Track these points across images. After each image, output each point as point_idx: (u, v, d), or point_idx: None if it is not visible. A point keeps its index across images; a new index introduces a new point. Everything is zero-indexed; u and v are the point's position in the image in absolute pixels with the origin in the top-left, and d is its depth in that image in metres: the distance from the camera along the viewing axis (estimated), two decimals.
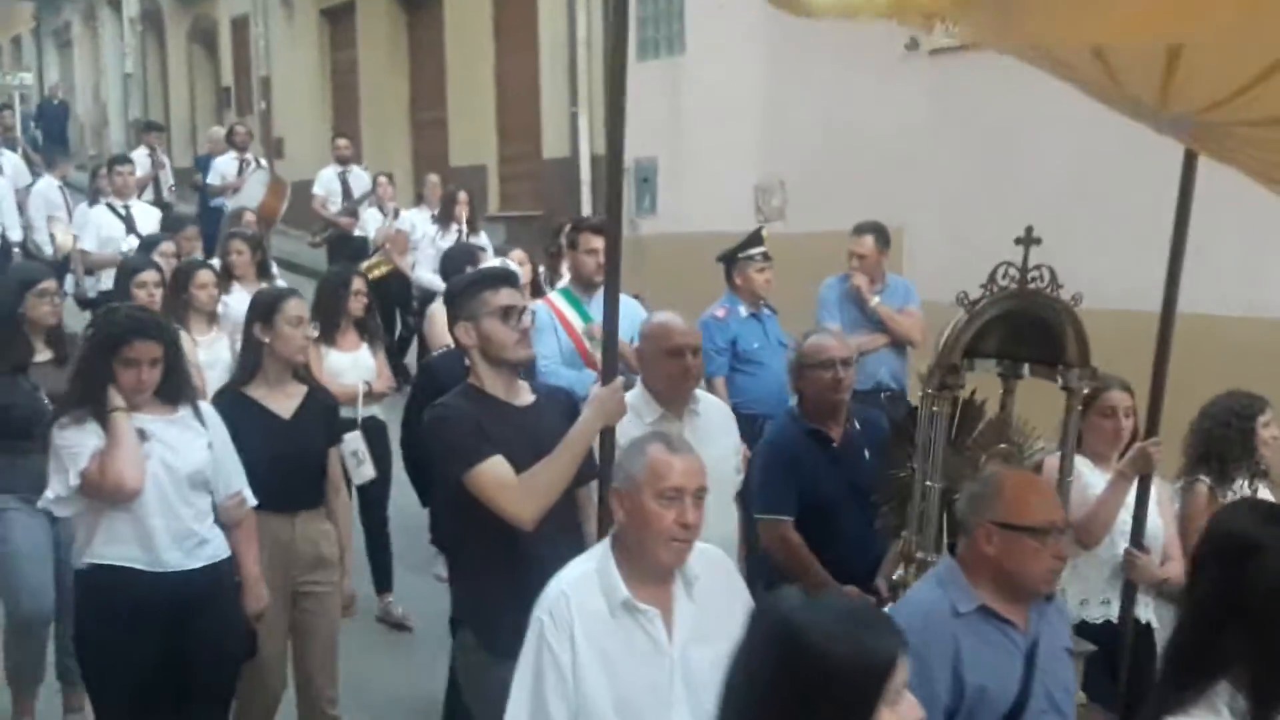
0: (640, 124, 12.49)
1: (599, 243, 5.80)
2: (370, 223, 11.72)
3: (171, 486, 4.08)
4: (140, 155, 14.17)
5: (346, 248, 12.27)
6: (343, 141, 13.16)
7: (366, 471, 6.06)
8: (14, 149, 15.11)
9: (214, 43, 22.75)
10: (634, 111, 13.69)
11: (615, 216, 3.69)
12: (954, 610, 3.15)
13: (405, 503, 6.48)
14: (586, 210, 12.96)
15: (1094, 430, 4.63)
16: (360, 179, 12.65)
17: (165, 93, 24.86)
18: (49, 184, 12.12)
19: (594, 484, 3.64)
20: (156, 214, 10.10)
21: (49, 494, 4.06)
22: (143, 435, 4.05)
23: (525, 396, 3.78)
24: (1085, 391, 4.00)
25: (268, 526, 4.52)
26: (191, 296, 6.36)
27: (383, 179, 12.06)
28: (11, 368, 5.02)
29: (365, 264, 10.27)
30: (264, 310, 4.72)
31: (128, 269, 6.61)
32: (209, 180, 13.97)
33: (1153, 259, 4.69)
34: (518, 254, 7.41)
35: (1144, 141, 3.64)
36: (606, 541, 3.12)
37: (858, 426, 4.71)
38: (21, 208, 11.99)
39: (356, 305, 6.43)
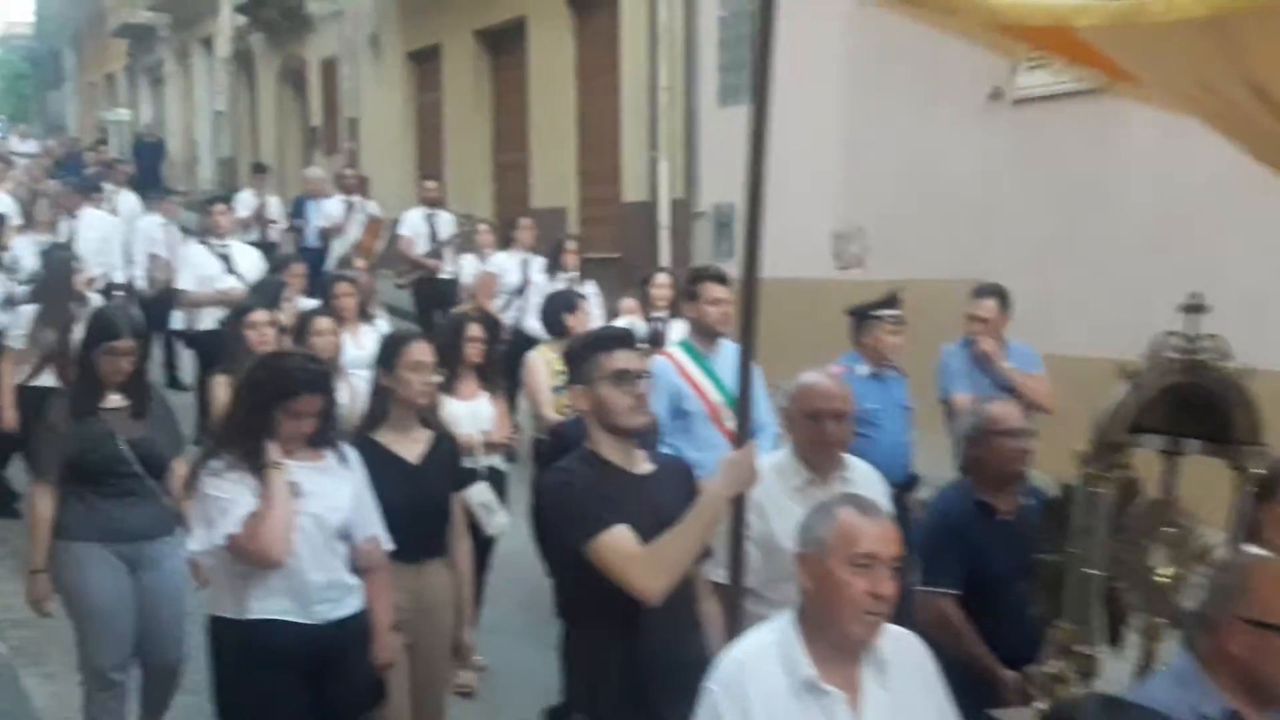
0: (720, 169, 12.66)
1: (722, 292, 5.76)
2: (466, 268, 11.46)
3: (322, 538, 4.02)
4: (247, 196, 14.50)
5: (432, 290, 12.28)
6: (431, 184, 13.12)
7: (499, 521, 5.91)
8: (129, 186, 15.51)
9: (303, 83, 23.22)
10: (714, 157, 13.95)
11: (752, 266, 3.57)
12: (1199, 716, 2.84)
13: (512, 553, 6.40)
14: (664, 255, 12.98)
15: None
16: (446, 222, 12.60)
17: (255, 131, 25.39)
18: (151, 222, 12.40)
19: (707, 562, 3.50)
20: (255, 254, 10.10)
21: (194, 545, 4.00)
22: (294, 490, 3.97)
23: (644, 465, 3.62)
24: (1262, 473, 3.55)
25: (396, 576, 4.41)
26: (310, 345, 6.22)
27: (482, 226, 11.83)
28: (83, 412, 4.99)
29: (459, 309, 9.94)
30: (386, 355, 4.65)
31: (241, 308, 6.54)
32: (314, 222, 13.96)
33: (1262, 314, 4.53)
34: (628, 303, 7.28)
35: (1238, 187, 3.53)
36: (790, 612, 2.91)
37: (1027, 500, 4.47)
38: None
39: (474, 352, 6.16)
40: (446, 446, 4.76)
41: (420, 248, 12.39)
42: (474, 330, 6.18)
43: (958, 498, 4.54)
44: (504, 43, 16.92)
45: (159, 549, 5.05)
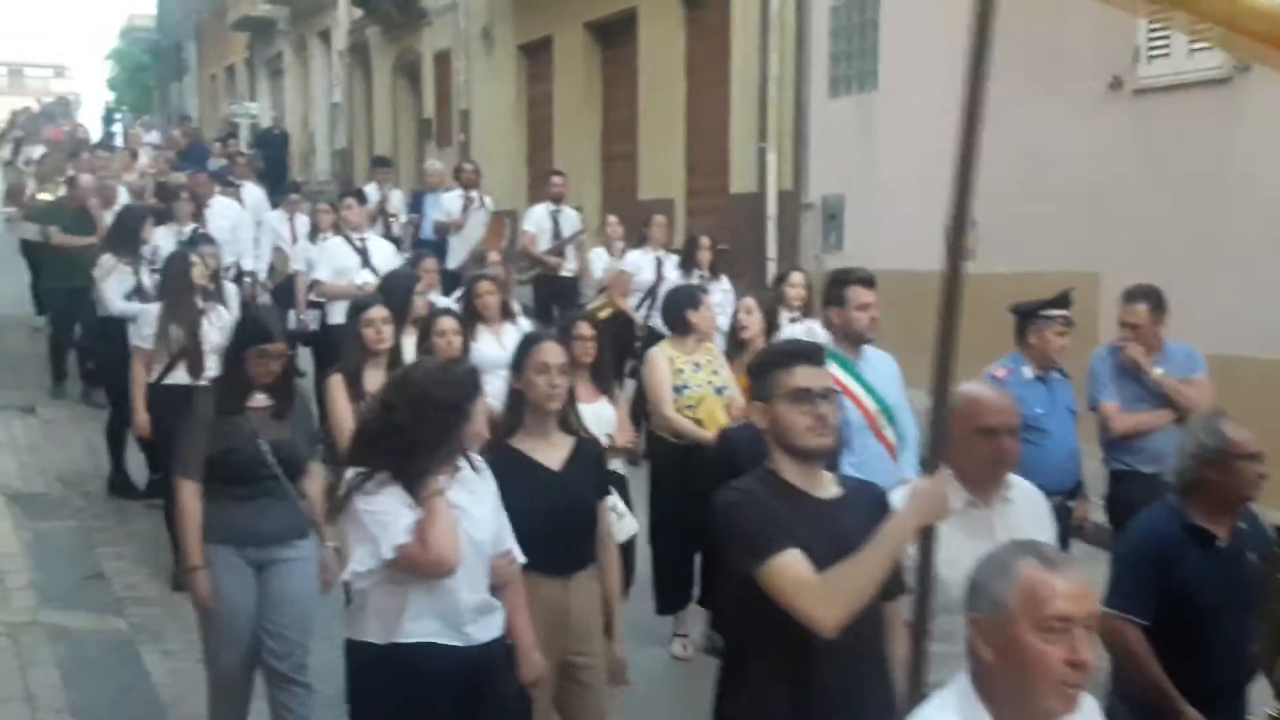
0: (829, 160, 12.58)
1: (869, 296, 5.59)
2: (596, 261, 11.20)
3: (474, 555, 3.77)
4: (370, 190, 14.27)
5: (552, 287, 12.13)
6: (558, 179, 12.67)
7: (629, 526, 5.64)
8: (256, 180, 15.59)
9: (417, 75, 23.52)
10: (823, 148, 13.84)
11: (956, 270, 3.26)
12: None
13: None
14: (771, 247, 12.92)
15: None
16: (570, 218, 12.32)
17: (370, 123, 25.78)
18: (279, 216, 12.62)
19: (903, 602, 3.22)
20: (390, 248, 10.01)
21: (355, 566, 3.68)
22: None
23: (829, 488, 3.32)
24: None
25: (539, 591, 4.14)
26: (433, 344, 6.07)
27: (612, 219, 11.54)
28: (228, 411, 4.95)
29: (591, 305, 9.99)
30: (517, 357, 4.45)
31: (359, 304, 6.24)
32: (434, 216, 13.75)
33: None
34: (747, 301, 7.01)
35: None
36: (963, 679, 2.53)
37: (1243, 526, 4.20)
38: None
39: (583, 351, 5.81)
40: (590, 451, 4.51)
41: (543, 244, 12.14)
42: (583, 329, 5.89)
43: (1165, 520, 4.18)
44: (614, 34, 16.97)
45: (288, 552, 5.00)
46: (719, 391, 6.34)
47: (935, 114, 10.96)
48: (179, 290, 7.32)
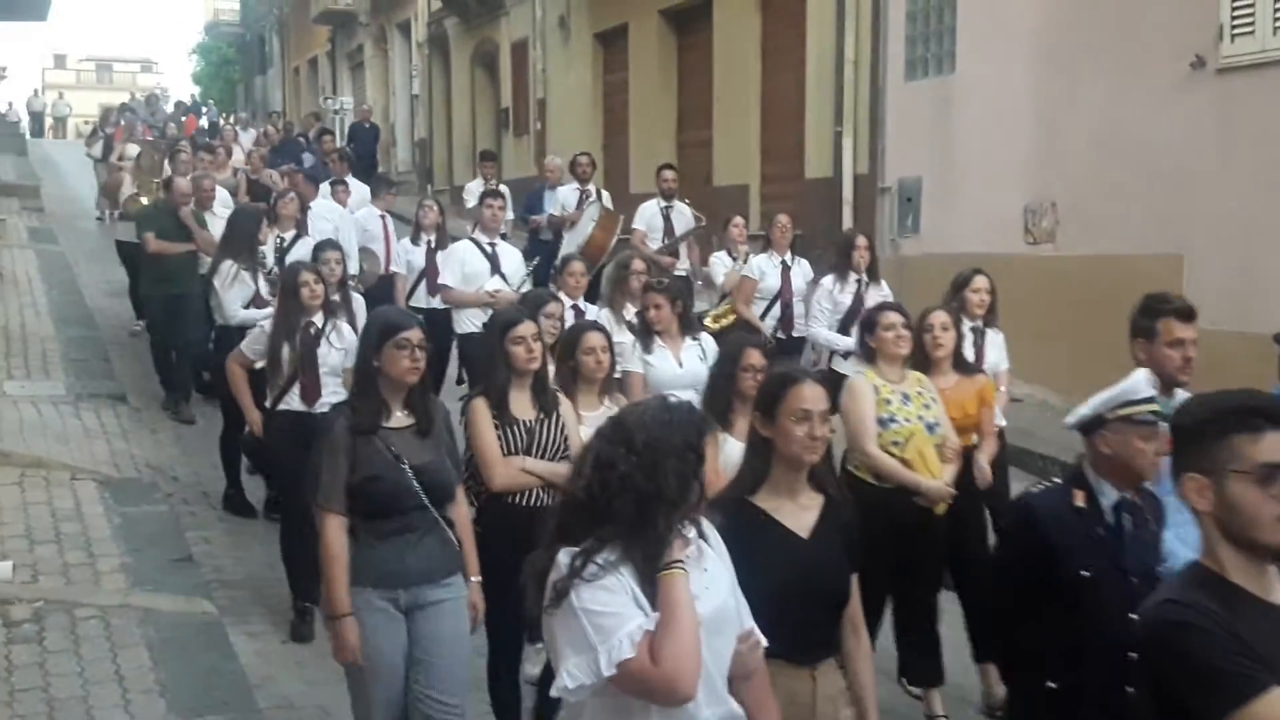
0: (906, 143, 12.51)
1: (1188, 332, 4.61)
2: (717, 267, 10.06)
3: (713, 661, 2.92)
4: (475, 186, 13.65)
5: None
6: (669, 174, 11.67)
7: None
8: (359, 176, 14.41)
9: (495, 65, 23.69)
10: (899, 131, 13.75)
11: None
12: None
13: None
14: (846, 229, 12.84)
15: None
16: (683, 214, 11.45)
17: (449, 113, 26.02)
18: (370, 213, 11.53)
19: None
20: (519, 255, 9.25)
21: (565, 681, 2.77)
22: None
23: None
24: None
25: (779, 681, 3.33)
26: (579, 363, 5.34)
27: (737, 220, 10.36)
28: (365, 430, 4.30)
29: (712, 312, 9.41)
30: (766, 400, 3.60)
31: (500, 322, 5.24)
32: (550, 210, 12.89)
33: None
34: (941, 316, 5.94)
35: None
36: None
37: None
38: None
39: (752, 383, 4.82)
40: (841, 513, 3.66)
41: (654, 242, 11.26)
42: (753, 358, 4.98)
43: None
44: (690, 21, 16.96)
45: (440, 592, 4.37)
46: (931, 429, 5.46)
47: (1012, 97, 10.91)
48: (288, 309, 6.63)
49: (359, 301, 7.96)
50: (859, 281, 8.26)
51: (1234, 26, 8.87)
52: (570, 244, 11.73)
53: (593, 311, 7.51)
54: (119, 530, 7.32)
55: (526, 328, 5.12)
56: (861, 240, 8.45)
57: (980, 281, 6.86)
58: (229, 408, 7.82)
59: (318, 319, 6.70)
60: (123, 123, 22.86)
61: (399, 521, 4.29)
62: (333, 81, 33.39)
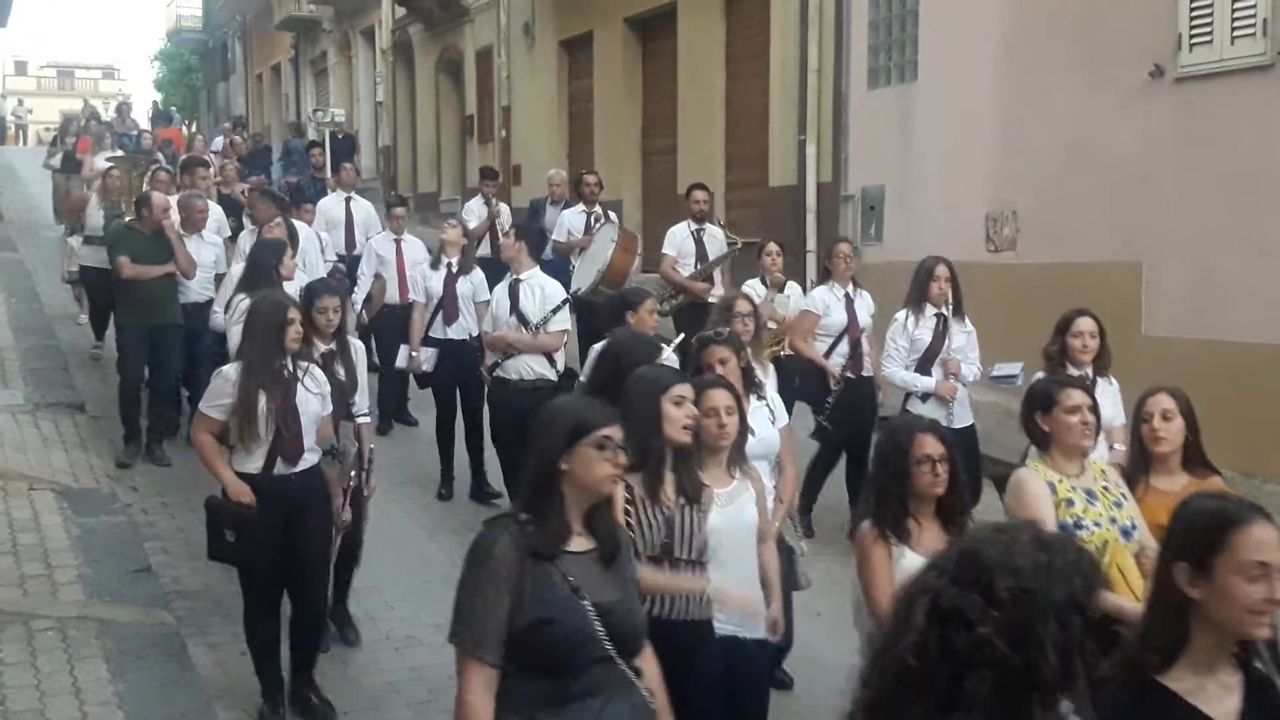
0: (869, 151, 12.55)
1: None
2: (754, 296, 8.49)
3: None
4: (476, 205, 13.06)
5: (699, 317, 9.58)
6: (701, 195, 10.88)
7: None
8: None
9: (459, 73, 23.63)
10: (862, 139, 13.75)
11: None
12: None
13: None
14: (811, 239, 12.88)
15: None
16: (715, 237, 10.74)
17: (414, 120, 25.94)
18: (385, 238, 11.00)
19: None
20: (544, 289, 8.10)
21: None
22: None
23: None
24: None
25: None
26: (699, 427, 4.41)
27: (772, 247, 9.37)
28: (545, 555, 3.17)
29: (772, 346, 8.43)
30: (1203, 542, 2.65)
31: (660, 380, 4.31)
32: (554, 236, 11.85)
33: None
34: (1163, 401, 4.81)
35: None
36: None
37: None
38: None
39: (935, 484, 4.01)
40: (1271, 698, 2.70)
41: (685, 268, 10.54)
42: (928, 447, 4.00)
43: None
44: (654, 29, 16.99)
45: None
46: (1126, 534, 4.40)
47: (974, 105, 10.98)
48: (267, 349, 5.56)
49: (358, 348, 6.83)
50: (939, 316, 7.44)
51: (1192, 36, 8.96)
52: (586, 271, 11.07)
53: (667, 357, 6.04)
54: (77, 541, 7.26)
55: (686, 389, 4.25)
56: (942, 270, 7.44)
57: (1084, 324, 6.23)
58: None
59: (289, 362, 5.65)
60: (89, 134, 20.57)
61: (579, 682, 3.11)
62: (296, 88, 33.23)
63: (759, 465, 4.82)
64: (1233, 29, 8.70)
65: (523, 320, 7.90)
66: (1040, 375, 6.05)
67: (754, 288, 9.01)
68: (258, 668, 5.68)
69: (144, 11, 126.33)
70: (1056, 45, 10.12)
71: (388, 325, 10.33)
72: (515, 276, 8.06)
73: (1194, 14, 8.92)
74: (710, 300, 10.19)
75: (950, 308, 7.44)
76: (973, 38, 11.02)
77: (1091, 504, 4.38)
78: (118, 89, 68.24)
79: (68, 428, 9.58)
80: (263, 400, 5.46)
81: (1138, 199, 9.34)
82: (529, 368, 7.89)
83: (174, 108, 36.66)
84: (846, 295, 8.38)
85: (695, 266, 10.53)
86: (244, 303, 7.15)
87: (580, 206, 12.11)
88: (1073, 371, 6.11)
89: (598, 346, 6.51)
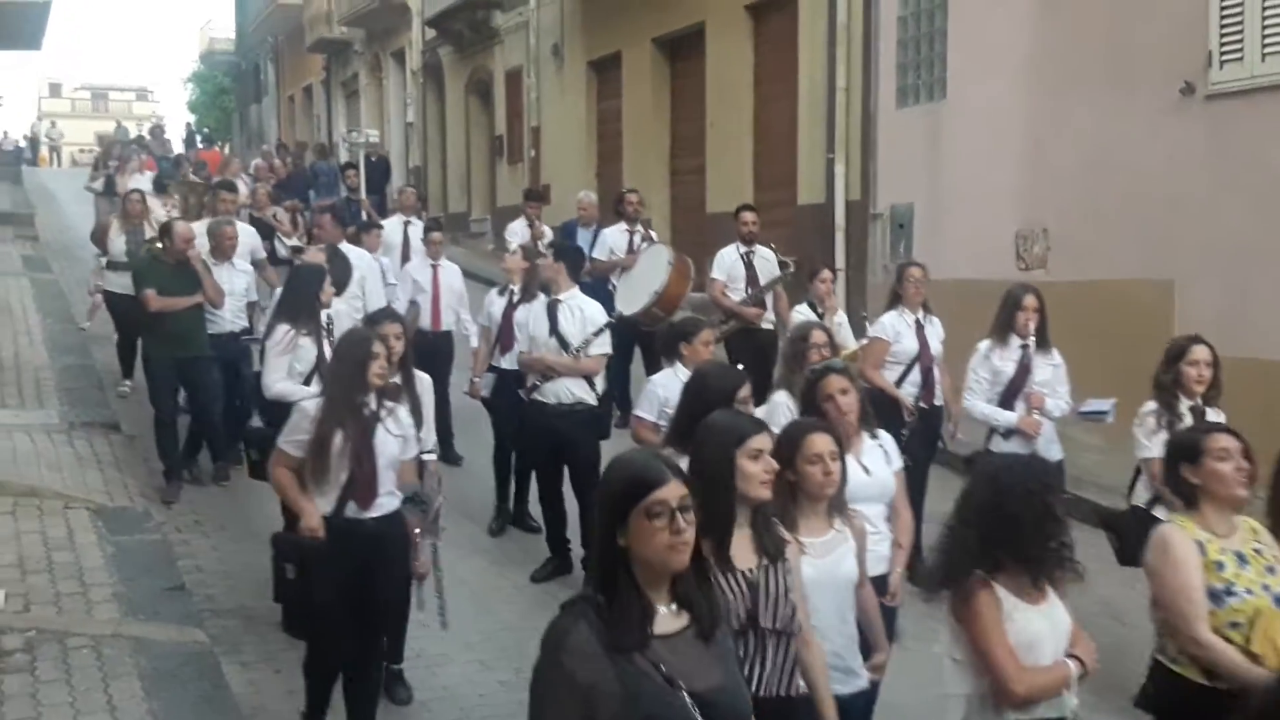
0: (898, 170, 12.55)
1: None
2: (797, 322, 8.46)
3: None
4: (519, 227, 12.63)
5: (751, 344, 9.89)
6: (750, 216, 10.47)
7: None
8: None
9: (489, 93, 23.77)
10: (891, 158, 13.72)
11: None
12: None
13: None
14: (840, 257, 12.86)
15: None
16: (766, 260, 10.26)
17: (443, 141, 26.10)
18: (421, 263, 10.56)
19: None
20: (584, 310, 7.72)
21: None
22: None
23: None
24: None
25: None
26: (803, 475, 4.03)
27: (825, 274, 9.10)
28: (626, 646, 2.71)
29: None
30: None
31: (721, 427, 3.86)
32: (595, 254, 11.27)
33: None
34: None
35: None
36: None
37: None
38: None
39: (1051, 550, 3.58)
40: None
41: (735, 293, 10.14)
42: (1043, 507, 3.52)
43: None
44: (683, 49, 17.05)
45: None
46: None
47: (1003, 123, 10.97)
48: (349, 386, 5.31)
49: (425, 381, 6.48)
50: (1024, 347, 7.00)
51: (1223, 53, 8.93)
52: (632, 294, 10.57)
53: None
54: (111, 559, 7.31)
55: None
56: (1030, 300, 7.01)
57: (1200, 352, 6.04)
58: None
59: (371, 399, 5.37)
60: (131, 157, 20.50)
61: None
62: (328, 110, 33.50)
63: (873, 509, 4.61)
64: (1264, 46, 8.66)
65: (562, 342, 7.58)
66: (1151, 406, 6.03)
67: (805, 313, 8.73)
68: (310, 704, 5.46)
69: (177, 34, 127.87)
70: (1085, 62, 10.11)
71: (419, 353, 9.70)
72: (554, 297, 7.76)
73: (1224, 31, 8.90)
74: (764, 326, 9.95)
75: (1035, 339, 7.01)
76: (1001, 56, 11.01)
77: (1242, 568, 3.95)
78: (151, 111, 69.00)
79: (102, 447, 9.65)
80: (338, 438, 5.18)
81: (1169, 216, 9.30)
82: (568, 391, 7.61)
83: (206, 129, 36.92)
84: (917, 321, 7.88)
85: (746, 291, 10.14)
86: (279, 329, 7.10)
87: (622, 225, 11.53)
88: (1185, 402, 5.97)
89: (658, 379, 6.47)
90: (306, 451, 5.24)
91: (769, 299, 10.19)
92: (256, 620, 6.89)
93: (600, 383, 7.75)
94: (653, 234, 11.70)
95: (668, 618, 2.77)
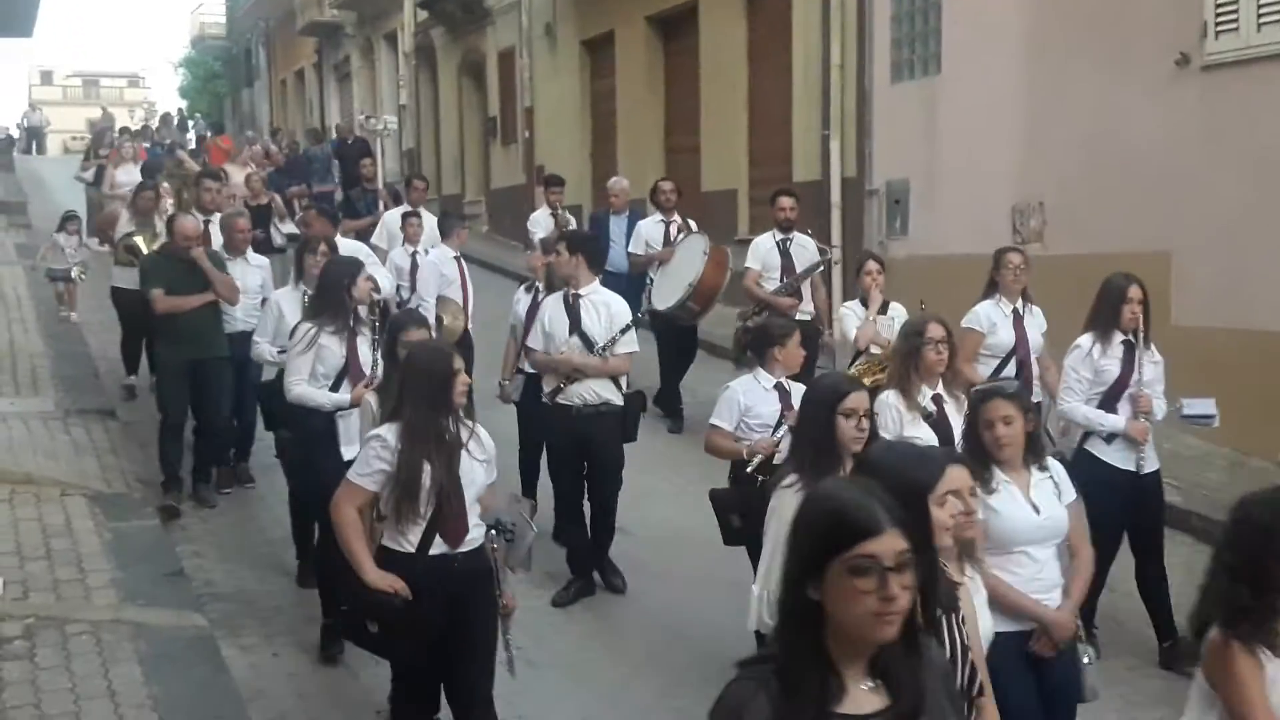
0: (893, 145, 12.52)
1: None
2: (849, 319, 8.19)
3: None
4: (542, 217, 12.02)
5: None
6: (787, 201, 9.72)
7: None
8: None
9: (482, 75, 23.68)
10: (886, 134, 13.67)
11: None
12: None
13: None
14: (836, 234, 12.84)
15: None
16: (805, 248, 9.63)
17: (436, 123, 26.01)
18: (444, 254, 9.88)
19: None
20: (609, 306, 7.20)
21: None
22: None
23: None
24: None
25: None
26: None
27: (871, 265, 8.30)
28: None
29: (856, 368, 7.69)
30: None
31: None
32: (630, 248, 10.98)
33: None
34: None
35: None
36: None
37: None
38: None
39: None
40: None
41: (770, 282, 9.50)
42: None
43: None
44: (676, 27, 16.98)
45: None
46: None
47: (998, 97, 10.93)
48: (433, 408, 4.66)
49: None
50: (1126, 344, 6.26)
51: (1218, 23, 8.89)
52: (669, 286, 10.08)
53: (799, 393, 5.47)
54: (109, 545, 7.29)
55: (961, 478, 3.31)
56: (1135, 291, 6.23)
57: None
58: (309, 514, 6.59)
59: (453, 422, 4.74)
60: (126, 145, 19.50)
61: None
62: (320, 93, 33.38)
63: (1044, 552, 4.17)
64: (1259, 16, 8.62)
65: (585, 341, 7.01)
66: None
67: (853, 309, 8.21)
68: None
69: (168, 19, 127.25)
70: (1080, 35, 10.06)
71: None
72: (573, 292, 7.15)
73: (1219, 1, 8.86)
74: (802, 317, 9.03)
75: (1141, 334, 6.26)
76: (996, 29, 10.97)
77: None
78: (143, 97, 68.79)
79: (99, 433, 9.64)
80: (427, 471, 4.59)
81: (1165, 188, 9.27)
82: (594, 392, 7.03)
83: (198, 114, 36.76)
84: (1015, 311, 7.19)
85: (781, 281, 9.46)
86: (302, 328, 6.52)
87: (657, 216, 11.00)
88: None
89: (738, 385, 6.04)
90: (391, 488, 4.61)
91: (805, 288, 9.57)
92: (256, 604, 6.90)
93: (624, 381, 7.25)
94: (691, 223, 11.03)
95: (860, 696, 2.25)
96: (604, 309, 7.11)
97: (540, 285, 8.06)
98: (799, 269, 9.51)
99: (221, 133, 26.06)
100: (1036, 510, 4.31)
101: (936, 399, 5.52)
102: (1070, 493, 4.52)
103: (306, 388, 6.46)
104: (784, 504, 3.81)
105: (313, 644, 6.33)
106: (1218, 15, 8.88)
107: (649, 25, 17.43)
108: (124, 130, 25.89)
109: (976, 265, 9.05)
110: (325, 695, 5.96)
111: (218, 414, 8.60)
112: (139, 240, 10.15)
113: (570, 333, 7.03)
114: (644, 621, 6.86)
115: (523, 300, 8.20)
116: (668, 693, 5.92)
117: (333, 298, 6.51)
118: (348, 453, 6.07)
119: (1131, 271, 6.44)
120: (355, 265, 6.84)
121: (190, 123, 32.99)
